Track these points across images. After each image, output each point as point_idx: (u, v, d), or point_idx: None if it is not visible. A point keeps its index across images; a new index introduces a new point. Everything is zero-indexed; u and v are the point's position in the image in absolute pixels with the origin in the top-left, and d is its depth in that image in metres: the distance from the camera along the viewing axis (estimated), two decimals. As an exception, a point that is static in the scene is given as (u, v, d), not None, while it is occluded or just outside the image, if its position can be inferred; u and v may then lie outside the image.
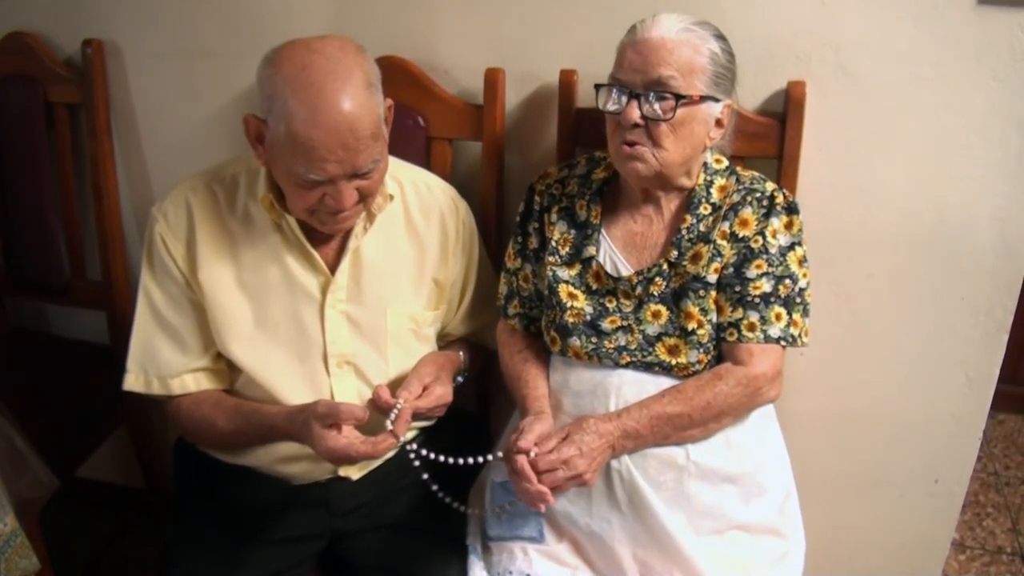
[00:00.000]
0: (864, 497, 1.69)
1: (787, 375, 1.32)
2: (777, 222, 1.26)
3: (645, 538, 1.24)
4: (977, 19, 1.33)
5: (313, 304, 1.32)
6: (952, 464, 1.62)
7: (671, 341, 1.27)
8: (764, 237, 1.26)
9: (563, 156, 1.53)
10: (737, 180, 1.31)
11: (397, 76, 1.53)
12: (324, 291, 1.32)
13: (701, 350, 1.26)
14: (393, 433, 1.21)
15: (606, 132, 1.28)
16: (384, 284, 1.36)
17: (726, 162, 1.34)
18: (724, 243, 1.27)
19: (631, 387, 1.27)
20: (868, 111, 1.42)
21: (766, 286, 1.25)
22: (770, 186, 1.30)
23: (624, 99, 1.21)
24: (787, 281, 1.25)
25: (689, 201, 1.30)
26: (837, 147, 1.46)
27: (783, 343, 1.26)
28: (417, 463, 1.26)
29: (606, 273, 1.31)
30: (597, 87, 1.26)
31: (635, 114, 1.20)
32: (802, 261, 1.28)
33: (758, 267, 1.25)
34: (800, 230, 1.28)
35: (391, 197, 1.32)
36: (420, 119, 1.58)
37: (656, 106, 1.19)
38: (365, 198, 1.23)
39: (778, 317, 1.25)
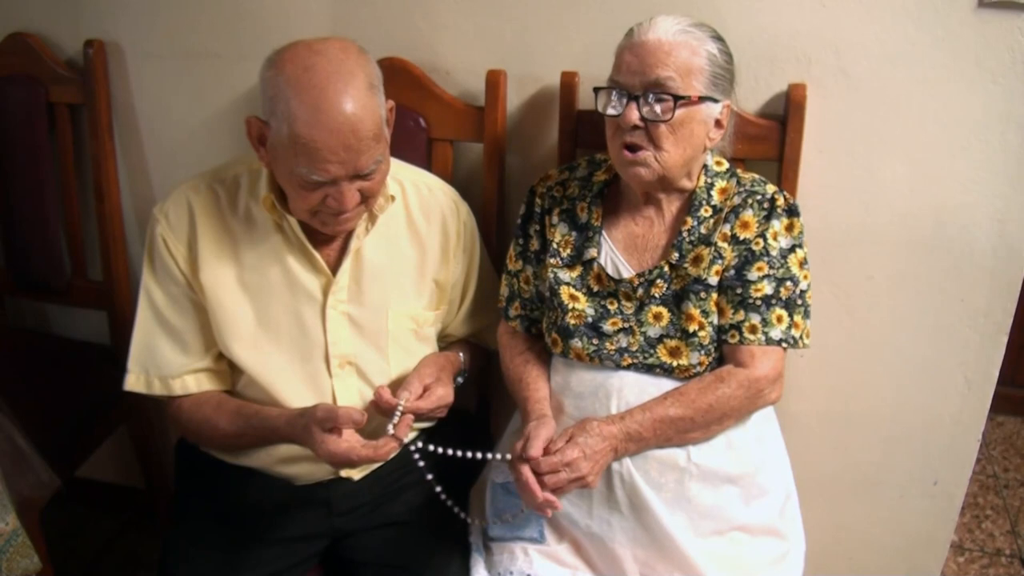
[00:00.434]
0: (863, 498, 1.69)
1: (787, 377, 1.32)
2: (778, 224, 1.27)
3: (645, 539, 1.24)
4: (977, 22, 1.33)
5: (314, 305, 1.32)
6: (951, 466, 1.62)
7: (672, 343, 1.27)
8: (765, 239, 1.26)
9: (564, 158, 1.54)
10: (738, 182, 1.31)
11: (398, 77, 1.53)
12: (325, 292, 1.32)
13: (702, 352, 1.26)
14: (395, 437, 1.21)
15: (606, 135, 1.28)
16: (385, 285, 1.36)
17: (727, 164, 1.34)
18: (725, 245, 1.27)
19: (632, 389, 1.27)
20: (868, 113, 1.43)
21: (767, 288, 1.25)
22: (771, 188, 1.30)
23: (623, 101, 1.22)
24: (788, 283, 1.26)
25: (690, 203, 1.30)
26: (837, 149, 1.46)
27: (784, 345, 1.26)
28: (422, 463, 1.26)
29: (607, 275, 1.31)
30: (596, 90, 1.27)
31: (634, 116, 1.20)
32: (803, 263, 1.28)
33: (759, 269, 1.25)
34: (801, 232, 1.28)
35: (393, 198, 1.32)
36: (421, 120, 1.58)
37: (655, 107, 1.20)
38: (367, 199, 1.24)
39: (779, 319, 1.25)
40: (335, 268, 1.33)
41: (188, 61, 1.73)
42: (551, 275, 1.34)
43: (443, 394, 1.32)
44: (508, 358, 1.42)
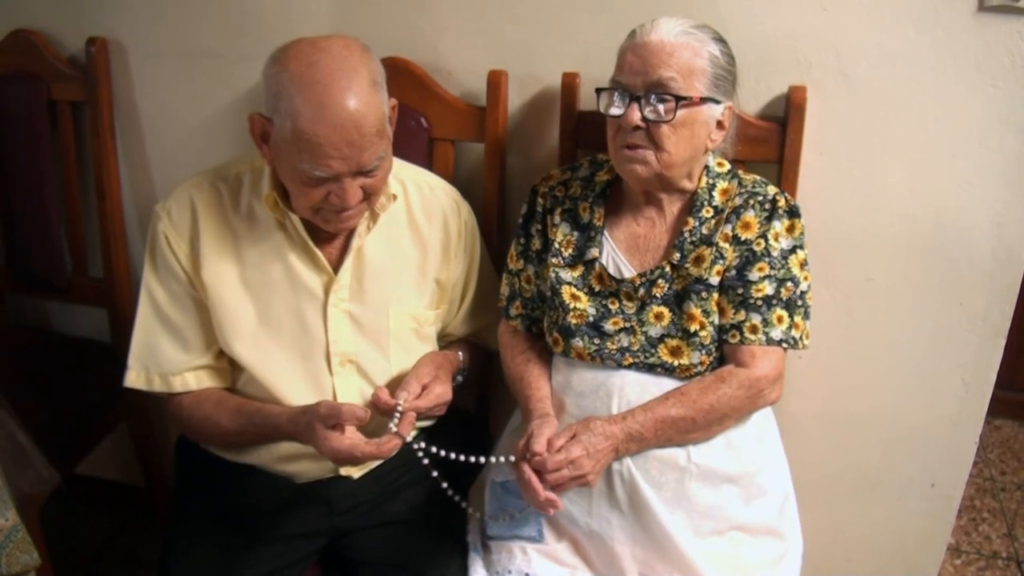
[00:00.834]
0: (861, 499, 1.70)
1: (786, 378, 1.32)
2: (779, 225, 1.27)
3: (644, 538, 1.25)
4: (977, 26, 1.34)
5: (316, 303, 1.33)
6: (949, 468, 1.63)
7: (673, 343, 1.27)
8: (766, 240, 1.26)
9: (565, 158, 1.54)
10: (739, 183, 1.31)
11: (401, 77, 1.54)
12: (327, 290, 1.33)
13: (703, 351, 1.27)
14: (398, 435, 1.22)
15: (607, 135, 1.28)
16: (386, 283, 1.37)
17: (728, 165, 1.34)
18: (726, 246, 1.27)
19: (633, 388, 1.27)
20: (868, 116, 1.43)
21: (768, 289, 1.25)
22: (772, 190, 1.30)
23: (625, 102, 1.22)
24: (789, 284, 1.26)
25: (691, 204, 1.31)
26: (837, 152, 1.47)
27: (785, 345, 1.26)
28: (426, 460, 1.26)
29: (609, 275, 1.32)
30: (598, 91, 1.27)
31: (636, 116, 1.21)
32: (803, 264, 1.28)
33: (760, 270, 1.26)
34: (802, 233, 1.29)
35: (395, 197, 1.33)
36: (423, 120, 1.58)
37: (657, 107, 1.20)
38: (369, 197, 1.24)
39: (780, 320, 1.26)
40: (337, 266, 1.33)
41: (190, 60, 1.73)
42: (553, 275, 1.34)
43: (441, 392, 1.32)
44: (509, 357, 1.42)
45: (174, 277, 1.32)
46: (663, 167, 1.24)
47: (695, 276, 1.27)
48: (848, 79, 1.42)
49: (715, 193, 1.30)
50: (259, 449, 1.35)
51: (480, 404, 1.70)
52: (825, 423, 1.65)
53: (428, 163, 1.59)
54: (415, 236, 1.40)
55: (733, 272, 1.27)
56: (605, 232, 1.34)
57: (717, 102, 1.24)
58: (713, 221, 1.29)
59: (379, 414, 1.27)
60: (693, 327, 1.26)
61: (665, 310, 1.28)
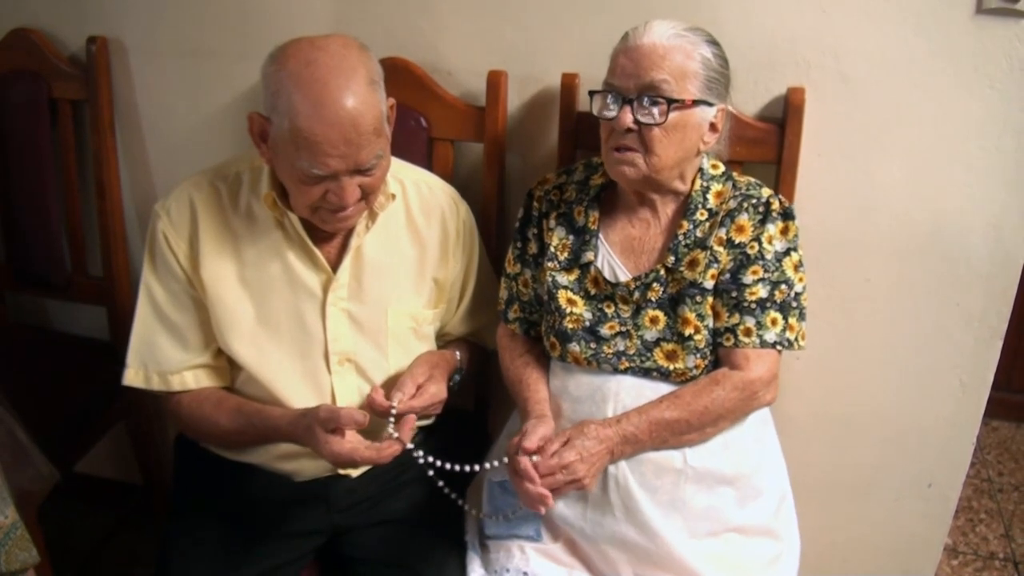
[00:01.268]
0: (858, 500, 1.70)
1: (782, 379, 1.33)
2: (773, 228, 1.27)
3: (639, 542, 1.24)
4: (975, 28, 1.34)
5: (314, 302, 1.33)
6: (946, 469, 1.63)
7: (669, 346, 1.28)
8: (760, 243, 1.27)
9: (564, 158, 1.54)
10: (733, 186, 1.31)
11: (400, 77, 1.54)
12: (326, 289, 1.33)
13: (698, 355, 1.27)
14: (399, 440, 1.22)
15: (601, 138, 1.28)
16: (385, 283, 1.37)
17: (722, 167, 1.35)
18: (721, 249, 1.27)
19: (629, 392, 1.28)
20: (866, 117, 1.44)
21: (762, 291, 1.26)
22: (766, 192, 1.30)
23: (618, 104, 1.22)
24: (783, 286, 1.26)
25: (686, 207, 1.31)
26: (835, 153, 1.47)
27: (779, 348, 1.27)
28: (425, 459, 1.26)
29: (604, 279, 1.32)
30: (591, 93, 1.27)
31: (628, 119, 1.21)
32: (798, 266, 1.28)
33: (754, 273, 1.26)
34: (796, 235, 1.29)
35: (393, 196, 1.33)
36: (422, 120, 1.59)
37: (650, 110, 1.20)
38: (367, 195, 1.24)
39: (774, 322, 1.26)
40: (335, 265, 1.33)
41: (191, 59, 1.74)
42: (549, 279, 1.34)
43: (436, 392, 1.32)
44: (508, 360, 1.43)
45: (173, 276, 1.32)
46: (652, 170, 1.24)
47: (689, 280, 1.27)
48: (846, 81, 1.42)
49: (709, 196, 1.30)
50: (258, 448, 1.35)
51: (478, 403, 1.70)
52: (823, 424, 1.65)
53: (427, 163, 1.59)
54: (413, 235, 1.40)
55: (727, 276, 1.27)
56: (600, 235, 1.34)
57: (710, 104, 1.24)
58: (707, 224, 1.29)
59: (375, 415, 1.27)
60: (687, 331, 1.26)
61: (660, 314, 1.28)
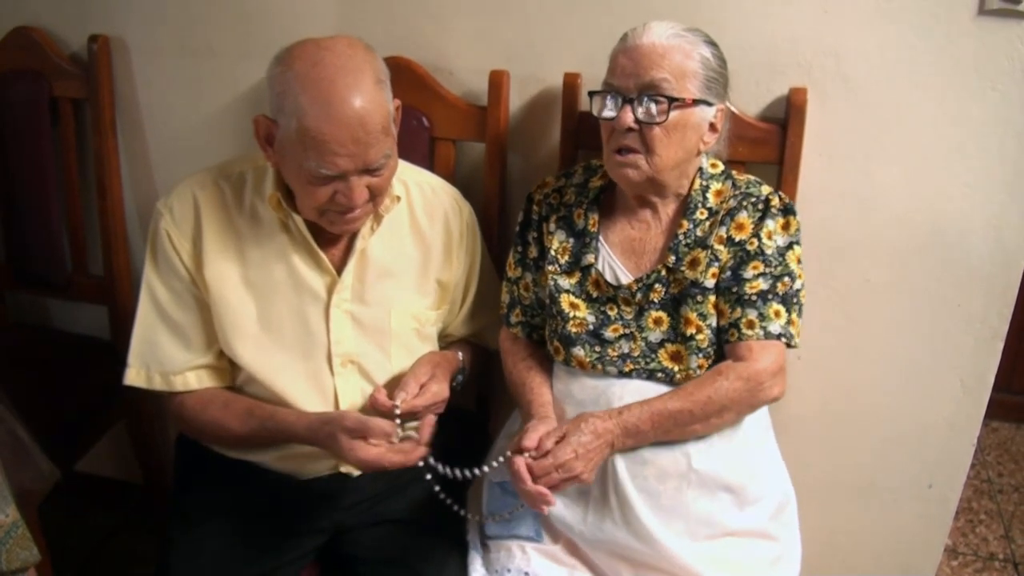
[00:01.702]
0: (858, 501, 1.70)
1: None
2: (772, 224, 1.27)
3: (639, 548, 1.24)
4: (977, 30, 1.34)
5: (318, 304, 1.33)
6: (946, 470, 1.63)
7: (673, 347, 1.28)
8: (760, 239, 1.27)
9: (565, 158, 1.54)
10: (733, 185, 1.32)
11: (402, 77, 1.54)
12: (330, 291, 1.33)
13: (701, 355, 1.27)
14: (419, 441, 1.22)
15: (602, 139, 1.28)
16: (389, 284, 1.37)
17: (722, 167, 1.35)
18: (721, 248, 1.27)
19: (633, 396, 1.26)
20: (868, 118, 1.44)
21: (763, 284, 1.25)
22: (766, 189, 1.31)
23: (618, 104, 1.23)
24: (786, 279, 1.26)
25: (685, 206, 1.31)
26: (837, 153, 1.47)
27: (784, 339, 1.25)
28: (429, 477, 1.25)
29: (605, 281, 1.32)
30: (591, 94, 1.27)
31: (629, 118, 1.21)
32: (799, 260, 1.28)
33: (755, 268, 1.26)
34: (797, 230, 1.29)
35: (398, 198, 1.33)
36: (424, 120, 1.59)
37: (650, 109, 1.21)
38: (375, 197, 1.24)
39: (777, 314, 1.25)
40: (340, 268, 1.33)
41: (192, 58, 1.74)
42: (551, 282, 1.34)
43: (438, 391, 1.32)
44: (511, 364, 1.42)
45: (176, 275, 1.32)
46: (654, 171, 1.24)
47: (691, 280, 1.27)
48: (848, 81, 1.42)
49: (709, 195, 1.31)
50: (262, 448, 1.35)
51: (480, 403, 1.70)
52: (823, 424, 1.65)
53: (429, 162, 1.60)
54: (417, 237, 1.40)
55: (728, 273, 1.27)
56: (600, 238, 1.34)
57: (709, 104, 1.24)
58: (707, 223, 1.29)
59: (377, 414, 1.27)
60: (690, 331, 1.26)
61: (663, 315, 1.28)
